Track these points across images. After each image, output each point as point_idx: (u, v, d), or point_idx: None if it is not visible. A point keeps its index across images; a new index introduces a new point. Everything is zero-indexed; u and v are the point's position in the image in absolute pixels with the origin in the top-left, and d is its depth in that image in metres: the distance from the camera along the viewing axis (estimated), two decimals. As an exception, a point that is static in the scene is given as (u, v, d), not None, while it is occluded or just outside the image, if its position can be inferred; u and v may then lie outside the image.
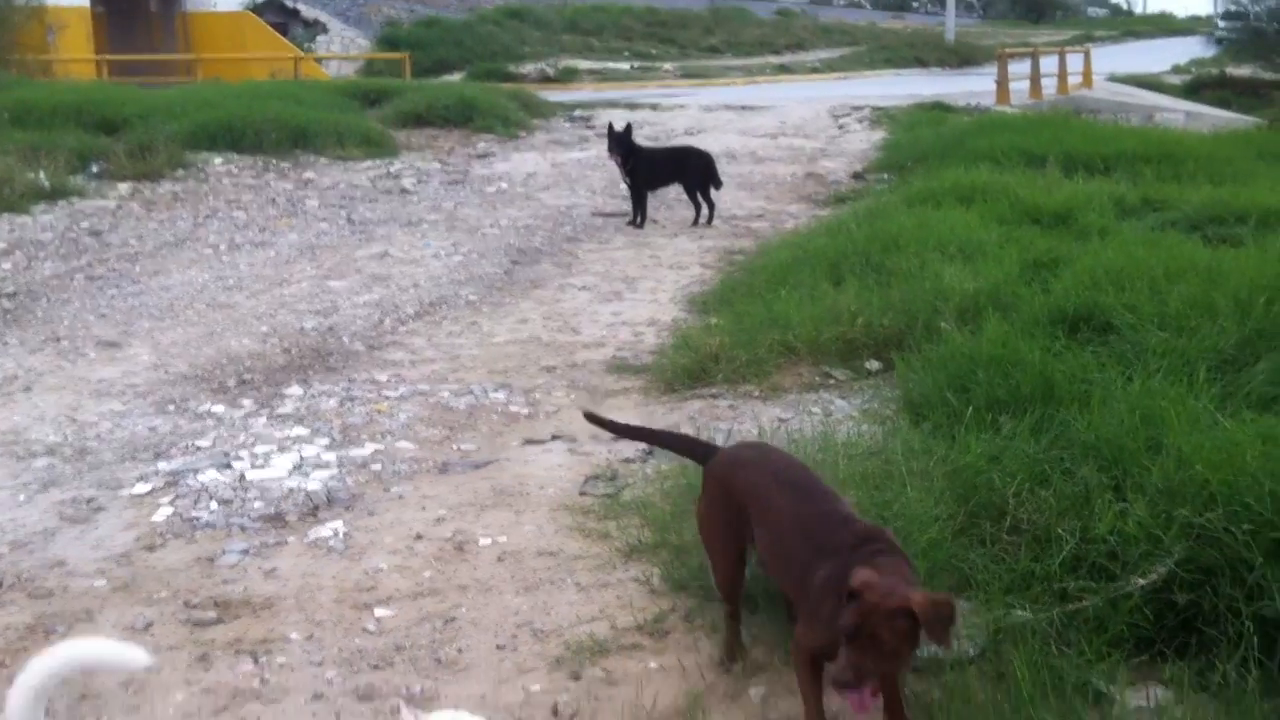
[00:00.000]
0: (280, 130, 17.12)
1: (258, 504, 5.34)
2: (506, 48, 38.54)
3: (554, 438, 6.19)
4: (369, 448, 6.06)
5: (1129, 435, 4.52)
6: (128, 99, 18.66)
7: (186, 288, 9.64)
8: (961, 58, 47.08)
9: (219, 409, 6.69)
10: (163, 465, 5.81)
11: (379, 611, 4.36)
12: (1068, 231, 8.94)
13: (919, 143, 15.90)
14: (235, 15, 36.16)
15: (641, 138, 14.91)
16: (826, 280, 8.04)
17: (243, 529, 5.09)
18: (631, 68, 39.10)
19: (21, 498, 5.46)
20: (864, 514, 4.18)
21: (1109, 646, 3.63)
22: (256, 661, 4.02)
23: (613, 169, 13.23)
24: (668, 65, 40.21)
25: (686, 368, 6.95)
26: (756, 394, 6.58)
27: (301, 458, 5.89)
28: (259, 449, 6.01)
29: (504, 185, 15.08)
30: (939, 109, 21.87)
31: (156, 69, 28.18)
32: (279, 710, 3.74)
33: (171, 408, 6.72)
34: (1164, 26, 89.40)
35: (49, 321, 8.59)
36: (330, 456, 5.92)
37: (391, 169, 16.26)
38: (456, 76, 32.74)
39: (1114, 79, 30.17)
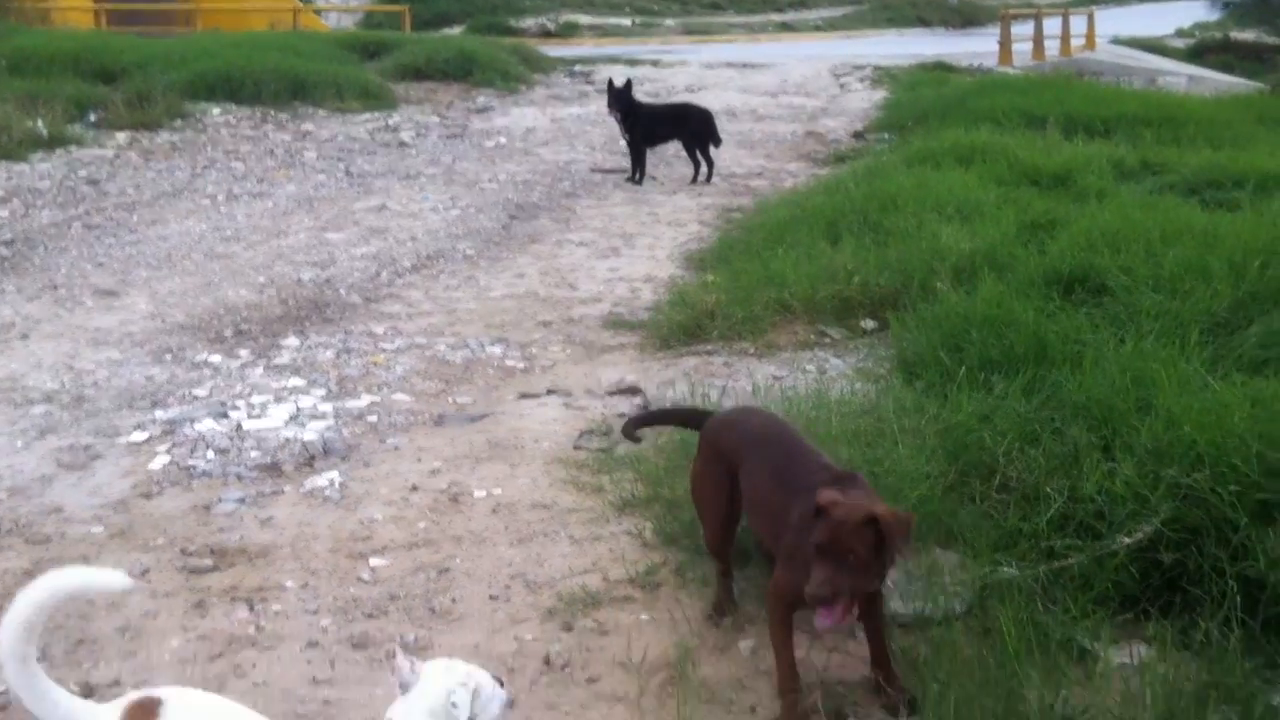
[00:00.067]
0: (279, 81, 17.09)
1: (254, 453, 5.37)
2: (507, 1, 38.34)
3: (549, 392, 6.22)
4: (365, 399, 6.09)
5: (1119, 396, 4.56)
6: (126, 48, 18.60)
7: (184, 238, 9.64)
8: (965, 18, 46.80)
9: (216, 359, 6.72)
10: (160, 414, 5.84)
11: (374, 561, 4.40)
12: (1066, 193, 8.95)
13: (920, 102, 15.86)
14: (235, -35, 35.89)
15: (642, 94, 14.88)
16: (824, 239, 8.05)
17: (239, 478, 5.13)
18: (633, 23, 38.92)
19: (19, 444, 5.49)
20: (854, 469, 4.24)
21: (1094, 604, 3.67)
22: (252, 609, 4.06)
23: (612, 125, 13.20)
24: (669, 21, 40.01)
25: (682, 324, 6.98)
26: (752, 351, 6.61)
27: (298, 408, 5.92)
28: (256, 399, 6.04)
29: (503, 140, 15.05)
30: (941, 69, 21.82)
31: (155, 18, 27.98)
32: (274, 657, 3.78)
33: (169, 357, 6.75)
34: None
35: (46, 269, 8.60)
36: (327, 407, 5.95)
37: (390, 122, 16.23)
38: (457, 30, 32.58)
39: (1117, 41, 30.02)
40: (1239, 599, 3.52)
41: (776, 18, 43.73)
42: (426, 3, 35.69)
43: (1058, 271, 6.53)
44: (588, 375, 6.48)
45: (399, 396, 6.15)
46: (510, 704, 2.94)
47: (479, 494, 4.97)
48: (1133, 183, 9.54)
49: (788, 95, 19.84)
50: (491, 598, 4.15)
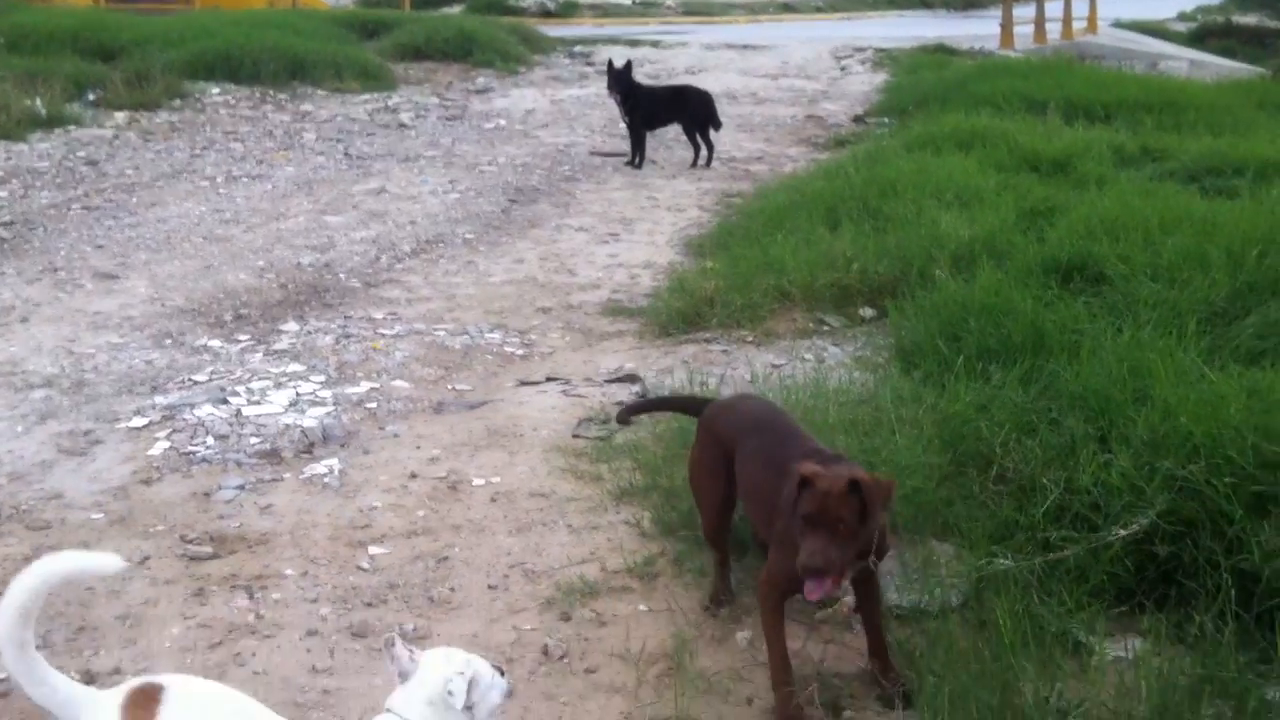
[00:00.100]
0: (278, 61, 17.04)
1: (254, 440, 5.39)
2: (507, -20, 38.14)
3: (548, 379, 6.23)
4: (364, 386, 6.11)
5: (1116, 387, 4.57)
6: (125, 25, 18.55)
7: (183, 220, 9.64)
8: (966, 0, 46.64)
9: (215, 344, 6.73)
10: (159, 399, 5.86)
11: (373, 549, 4.42)
12: (1066, 180, 8.95)
13: (920, 86, 15.82)
14: (234, -58, 35.70)
15: (642, 76, 14.86)
16: (823, 225, 8.05)
17: (239, 465, 5.15)
18: (633, 3, 38.77)
19: (20, 429, 5.51)
20: (851, 458, 4.26)
21: (1089, 597, 3.69)
22: (252, 597, 4.08)
23: (612, 107, 13.18)
24: (670, 1, 39.85)
25: (681, 311, 6.99)
26: (750, 339, 6.62)
27: (298, 394, 5.94)
28: (255, 385, 6.05)
29: (502, 122, 15.03)
30: (942, 52, 21.75)
31: (154, -4, 27.88)
32: (273, 646, 3.80)
33: (168, 341, 6.76)
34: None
35: (46, 252, 8.60)
36: (326, 394, 5.96)
37: (389, 103, 16.20)
38: (456, 9, 32.42)
39: (1119, 25, 29.89)
40: (1233, 592, 3.53)
41: (777, -2, 43.61)
42: (426, -19, 35.52)
43: (1056, 260, 6.53)
44: (587, 362, 6.49)
45: (398, 383, 6.17)
46: (510, 693, 2.96)
47: (478, 482, 4.99)
48: (1133, 169, 9.52)
49: (788, 78, 19.80)
50: (490, 587, 4.17)
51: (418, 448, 5.36)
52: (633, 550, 4.36)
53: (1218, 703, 3.21)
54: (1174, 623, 3.57)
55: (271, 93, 16.31)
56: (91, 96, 14.91)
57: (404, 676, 2.75)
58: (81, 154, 12.18)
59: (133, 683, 2.72)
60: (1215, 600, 3.54)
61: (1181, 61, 21.91)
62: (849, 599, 3.82)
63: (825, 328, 6.77)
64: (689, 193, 11.04)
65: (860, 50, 23.15)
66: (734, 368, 6.07)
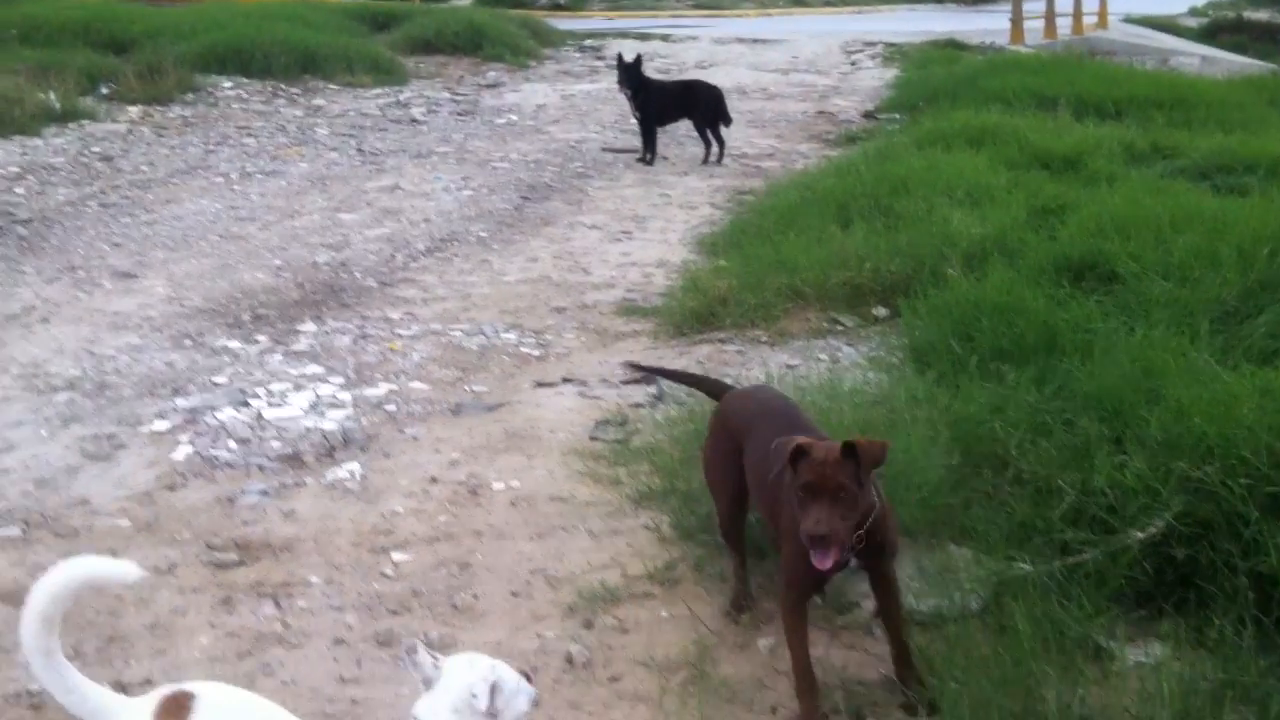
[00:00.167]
0: (289, 54, 17.12)
1: (275, 443, 5.44)
2: (516, -29, 38.13)
3: (565, 380, 6.27)
4: (383, 387, 6.15)
5: (1129, 387, 4.59)
6: (136, 17, 18.61)
7: (199, 217, 9.70)
8: (977, -7, 46.51)
9: (235, 344, 6.78)
10: (181, 402, 5.91)
11: (396, 555, 4.47)
12: (1076, 177, 8.95)
13: (931, 82, 15.81)
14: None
15: (653, 71, 14.87)
16: (835, 223, 8.07)
17: (261, 469, 5.20)
18: (643, -5, 38.71)
19: (44, 433, 5.56)
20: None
21: (1109, 601, 3.71)
22: (278, 605, 4.13)
23: (622, 103, 13.20)
24: (680, -7, 39.85)
25: (695, 311, 7.03)
26: (764, 339, 6.66)
27: (317, 396, 5.99)
28: (275, 386, 6.10)
29: (514, 117, 15.06)
30: (952, 47, 21.72)
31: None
32: (301, 655, 3.85)
33: (188, 342, 6.81)
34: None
35: (64, 250, 8.65)
36: (345, 396, 6.01)
37: (401, 98, 16.24)
38: (465, 1, 32.44)
39: (1129, 20, 29.77)
40: (1251, 595, 3.55)
41: (787, -10, 43.53)
42: (435, -27, 35.48)
43: (1068, 258, 6.54)
44: (602, 363, 6.53)
45: (416, 385, 6.22)
46: (536, 701, 3.00)
47: (497, 486, 5.04)
48: (1143, 167, 9.52)
49: (799, 73, 19.80)
50: (513, 594, 4.21)
51: (437, 451, 5.41)
52: (653, 555, 4.40)
53: (1240, 708, 3.24)
54: (1194, 627, 3.58)
55: (283, 86, 16.38)
56: (104, 90, 14.98)
57: (428, 684, 2.79)
58: (96, 149, 12.25)
59: (163, 690, 2.76)
60: (1234, 603, 3.57)
61: (1193, 57, 21.86)
62: (869, 604, 3.87)
63: (839, 327, 6.81)
64: (701, 190, 11.06)
65: (870, 45, 23.14)
66: (749, 368, 6.10)
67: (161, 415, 5.75)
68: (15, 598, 2.69)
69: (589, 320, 7.30)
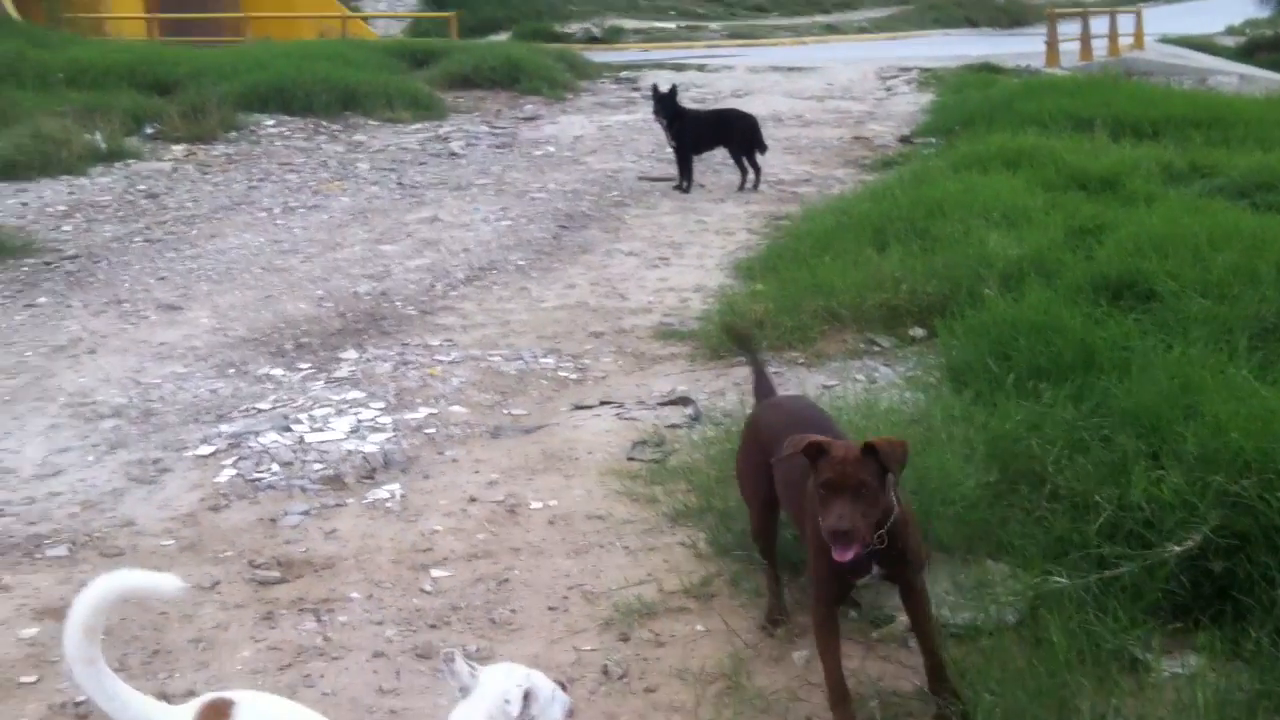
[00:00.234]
0: (330, 92, 17.33)
1: (317, 466, 5.52)
2: (552, 6, 38.56)
3: (602, 403, 6.32)
4: (423, 411, 6.23)
5: (1167, 403, 4.59)
6: (180, 59, 18.93)
7: (242, 250, 9.83)
8: (1012, 17, 46.51)
9: (278, 372, 6.88)
10: (225, 427, 6.00)
11: (435, 572, 4.53)
12: (1114, 197, 8.95)
13: (966, 105, 15.82)
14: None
15: (688, 100, 14.97)
16: (871, 246, 8.10)
17: (303, 490, 5.28)
18: (678, 27, 38.98)
19: (91, 458, 5.67)
20: (903, 479, 4.31)
21: (1145, 613, 3.72)
22: (319, 620, 4.20)
23: (659, 132, 13.29)
24: (714, 25, 40.05)
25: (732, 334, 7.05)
26: (801, 361, 6.69)
27: (359, 421, 6.07)
28: (317, 412, 6.18)
29: (551, 149, 15.18)
30: (987, 71, 21.71)
31: (206, 28, 28.38)
32: (341, 667, 3.91)
33: (232, 370, 6.91)
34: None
35: (110, 284, 8.80)
36: (386, 420, 6.09)
37: (440, 131, 16.40)
38: (503, 36, 32.78)
39: (1166, 40, 29.73)
40: (1288, 607, 3.56)
41: (821, 19, 43.66)
42: (473, 9, 35.85)
43: (1105, 277, 6.55)
44: (639, 386, 6.58)
45: (455, 408, 6.29)
46: (572, 712, 3.03)
47: (535, 505, 5.09)
48: (1181, 186, 9.52)
49: (834, 99, 19.86)
50: (550, 608, 4.26)
51: (476, 472, 5.47)
52: (689, 571, 4.44)
53: (1276, 719, 3.24)
54: (1230, 639, 3.58)
55: (324, 123, 16.57)
56: (149, 130, 15.23)
57: (464, 692, 2.83)
58: (142, 187, 12.45)
59: (204, 698, 2.82)
60: (1270, 615, 3.57)
61: (1231, 76, 21.80)
62: (904, 617, 3.88)
63: (876, 348, 6.83)
64: (737, 216, 11.12)
65: (905, 70, 23.16)
66: (786, 390, 6.12)
67: (206, 440, 5.84)
68: (62, 614, 2.76)
69: (626, 344, 7.36)
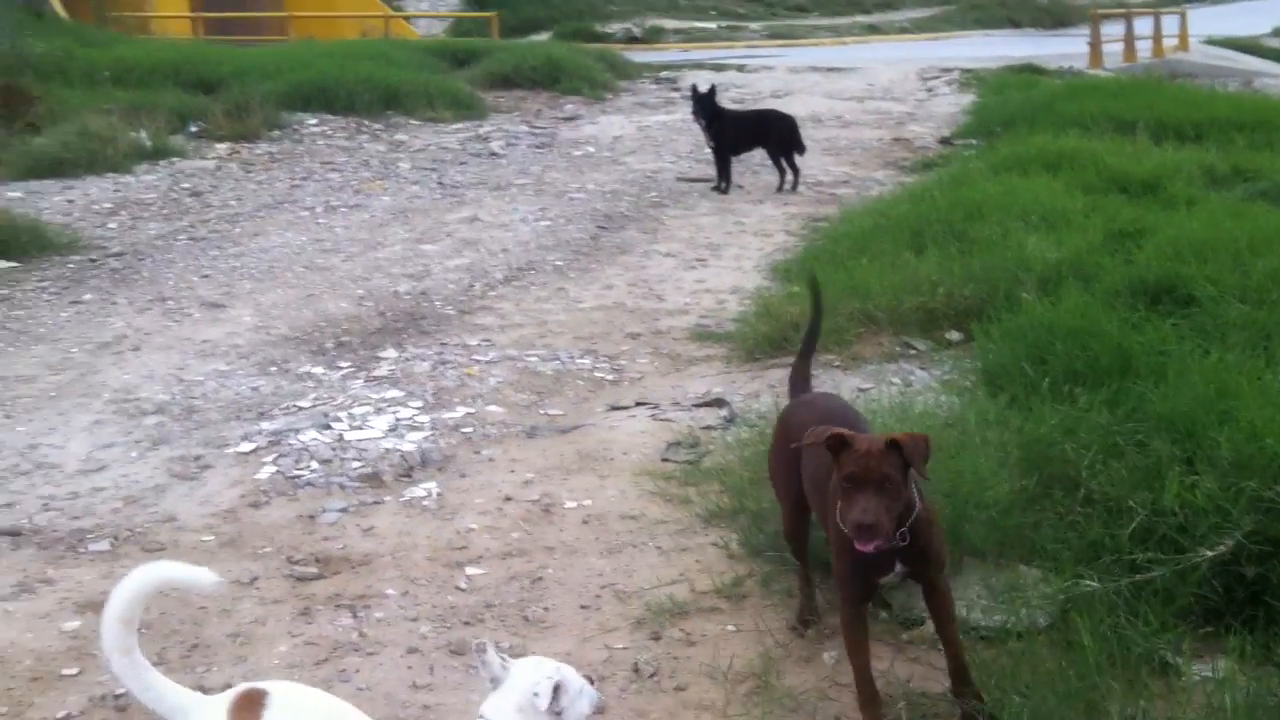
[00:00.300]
0: (372, 91, 17.45)
1: (356, 464, 5.58)
2: (593, 6, 38.58)
3: (637, 404, 6.36)
4: (460, 411, 6.29)
5: (1202, 408, 4.58)
6: (224, 58, 19.12)
7: (285, 249, 9.94)
8: (1055, 18, 46.10)
9: (318, 370, 6.96)
10: (265, 425, 6.08)
11: (470, 570, 4.58)
12: (1155, 201, 8.89)
13: (1008, 107, 15.73)
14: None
15: (727, 100, 14.99)
16: (908, 248, 8.09)
17: (342, 488, 5.35)
18: (718, 27, 38.94)
19: (134, 455, 5.76)
20: (937, 481, 4.33)
21: (1176, 618, 3.72)
22: (355, 616, 4.26)
23: (697, 133, 13.31)
24: (755, 25, 39.98)
25: (768, 336, 7.09)
26: (837, 363, 6.70)
27: (397, 419, 6.13)
28: (356, 410, 6.26)
29: (590, 149, 15.24)
30: (1029, 72, 21.58)
31: (250, 27, 28.61)
32: (376, 663, 3.97)
33: (273, 368, 7.00)
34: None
35: (155, 282, 8.92)
36: (424, 419, 6.15)
37: (480, 131, 16.49)
38: (543, 36, 32.86)
39: (1211, 42, 29.40)
40: (1322, 613, 3.56)
41: (863, 19, 43.47)
42: (514, 9, 35.94)
43: (1144, 281, 6.52)
44: (675, 387, 6.62)
45: (492, 408, 6.34)
46: (601, 707, 3.07)
47: (570, 505, 5.14)
48: (1223, 189, 9.45)
49: (874, 100, 19.82)
50: (582, 607, 4.31)
51: (512, 471, 5.52)
52: (721, 571, 4.47)
53: (1307, 722, 3.25)
54: (1261, 643, 3.59)
55: (366, 122, 16.70)
56: (194, 128, 15.40)
57: (495, 683, 2.87)
58: (186, 185, 12.59)
59: (239, 688, 2.87)
60: (1302, 621, 3.58)
61: (1277, 78, 21.58)
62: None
63: (911, 351, 6.83)
64: (775, 217, 11.14)
65: (947, 71, 23.06)
66: (820, 390, 6.13)
67: (247, 438, 5.93)
68: (103, 608, 2.84)
69: (662, 345, 7.40)
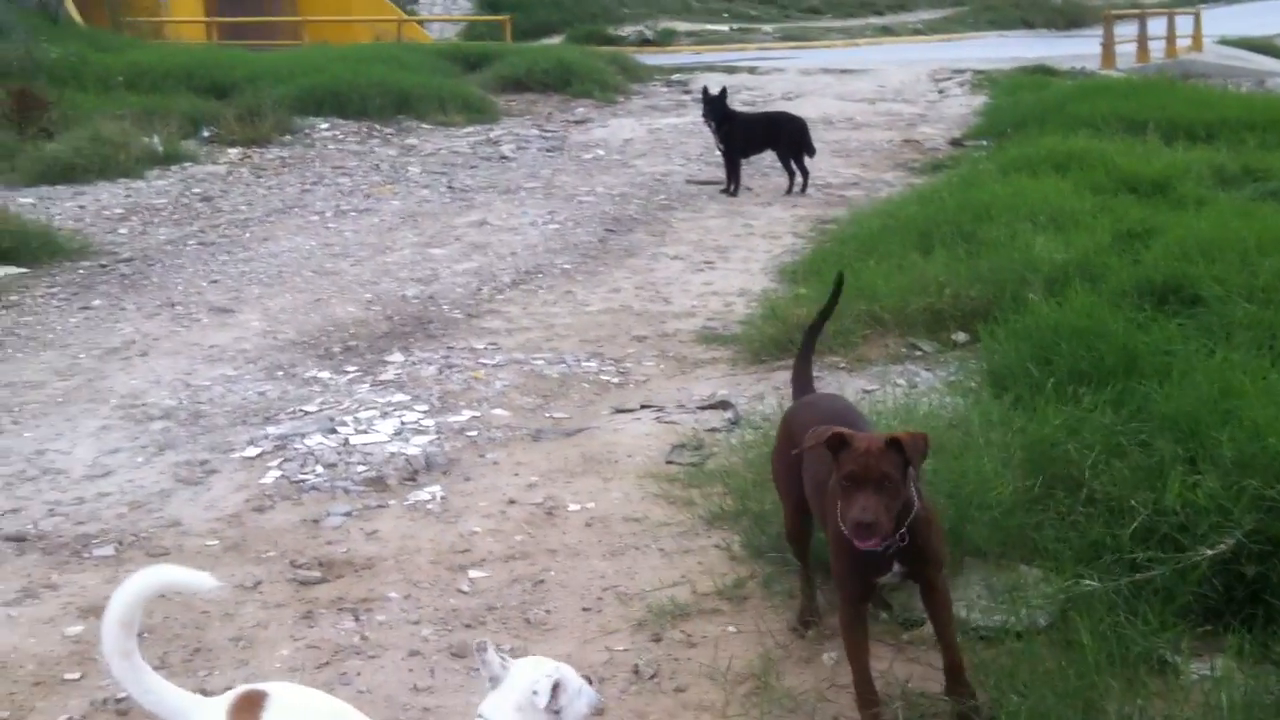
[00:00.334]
0: (384, 96, 17.50)
1: (361, 468, 5.60)
2: (606, 9, 38.61)
3: (643, 407, 6.38)
4: (466, 414, 6.30)
5: (1206, 408, 4.57)
6: (237, 62, 19.20)
7: (294, 254, 9.97)
8: (1069, 19, 45.94)
9: (325, 375, 6.98)
10: (272, 429, 6.10)
11: (473, 573, 4.60)
12: (1164, 201, 8.87)
13: (1019, 108, 15.71)
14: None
15: (739, 103, 15.00)
16: (916, 250, 8.09)
17: (346, 492, 5.37)
18: (731, 29, 38.93)
19: (140, 460, 5.79)
20: (939, 482, 4.34)
21: (1176, 616, 3.71)
22: (358, 619, 4.28)
23: (708, 135, 13.32)
24: (767, 27, 39.97)
25: (774, 338, 7.09)
26: (842, 365, 6.70)
27: (402, 423, 6.15)
28: (362, 414, 6.28)
29: (601, 152, 15.25)
30: (1042, 73, 21.54)
31: (264, 32, 28.72)
32: (378, 666, 3.98)
33: (280, 373, 7.03)
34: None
35: (164, 287, 8.96)
36: (429, 423, 6.17)
37: (491, 135, 16.52)
38: (556, 39, 32.90)
39: (1224, 42, 29.29)
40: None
41: (876, 21, 43.41)
42: (527, 12, 35.98)
43: (1150, 281, 6.51)
44: (680, 390, 6.63)
45: (498, 412, 6.36)
46: (600, 708, 3.07)
47: (573, 508, 5.15)
48: (1233, 190, 9.43)
49: (885, 102, 19.80)
50: (584, 609, 4.32)
51: (516, 475, 5.53)
52: (723, 573, 4.48)
53: (1303, 721, 3.24)
54: (1260, 642, 3.59)
55: (378, 127, 16.74)
56: (206, 133, 15.46)
57: (494, 682, 2.88)
58: (197, 190, 12.65)
59: (239, 689, 2.89)
60: (1301, 619, 3.57)
61: (1292, 79, 21.50)
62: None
63: (918, 352, 6.83)
64: (784, 219, 11.14)
65: (959, 72, 23.03)
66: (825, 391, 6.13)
67: (253, 442, 5.95)
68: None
69: (669, 348, 7.40)
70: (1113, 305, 6.08)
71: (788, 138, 12.55)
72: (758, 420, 5.74)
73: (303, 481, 5.46)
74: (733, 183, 12.48)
